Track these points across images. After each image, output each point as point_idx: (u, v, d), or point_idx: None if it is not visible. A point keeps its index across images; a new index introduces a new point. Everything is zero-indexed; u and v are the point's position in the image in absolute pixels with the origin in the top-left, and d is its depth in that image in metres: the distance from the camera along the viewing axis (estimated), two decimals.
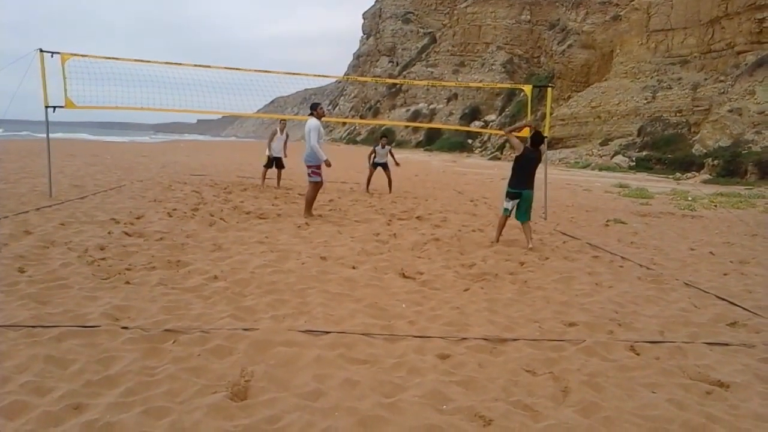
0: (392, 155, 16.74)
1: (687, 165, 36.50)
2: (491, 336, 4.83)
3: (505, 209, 9.09)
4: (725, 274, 7.77)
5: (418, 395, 3.67)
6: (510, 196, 9.04)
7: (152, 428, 3.12)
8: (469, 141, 69.15)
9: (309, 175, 10.72)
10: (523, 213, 9.00)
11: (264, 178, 15.73)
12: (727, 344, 4.96)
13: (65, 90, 11.65)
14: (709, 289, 6.83)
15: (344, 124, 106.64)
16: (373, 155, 16.37)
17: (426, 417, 3.40)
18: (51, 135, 12.23)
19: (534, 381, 4.02)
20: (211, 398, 3.48)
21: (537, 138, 9.09)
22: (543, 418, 3.50)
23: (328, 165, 10.55)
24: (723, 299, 6.40)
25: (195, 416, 3.26)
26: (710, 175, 33.04)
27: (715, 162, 34.03)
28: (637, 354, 4.64)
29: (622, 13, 57.82)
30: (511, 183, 9.06)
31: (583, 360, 4.41)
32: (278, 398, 3.54)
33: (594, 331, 5.11)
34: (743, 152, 33.56)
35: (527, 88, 13.27)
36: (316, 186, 10.79)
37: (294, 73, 16.01)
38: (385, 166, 16.39)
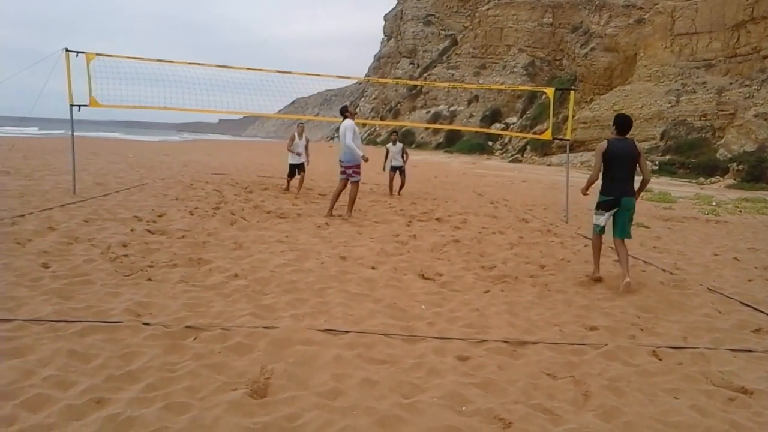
0: (406, 153, 16.44)
1: (711, 170, 36.10)
2: (511, 338, 4.80)
3: (596, 226, 7.03)
4: (750, 280, 7.65)
5: (437, 396, 3.66)
6: (602, 206, 6.89)
7: (173, 423, 3.14)
8: (490, 143, 68.87)
9: (351, 175, 10.90)
10: (621, 227, 6.91)
11: (288, 185, 15.09)
12: (751, 351, 4.88)
13: (90, 89, 11.80)
14: (733, 294, 6.72)
15: (365, 125, 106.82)
16: (387, 155, 16.50)
17: (445, 418, 3.39)
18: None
19: (554, 384, 3.99)
20: (232, 395, 3.49)
21: (621, 121, 6.91)
22: (563, 421, 3.47)
23: (366, 160, 10.71)
24: (747, 305, 6.29)
25: (215, 412, 3.27)
26: (735, 180, 32.63)
27: (740, 167, 33.60)
28: (660, 359, 4.58)
29: (645, 17, 57.30)
30: (603, 188, 6.88)
31: (605, 364, 4.37)
32: (297, 396, 3.55)
33: (615, 336, 5.06)
34: None
35: (549, 91, 13.19)
36: (358, 185, 11.07)
37: (315, 74, 16.08)
38: (402, 170, 16.25)
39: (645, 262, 8.37)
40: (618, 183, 6.76)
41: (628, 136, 6.87)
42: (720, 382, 4.18)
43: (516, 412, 3.51)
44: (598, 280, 6.97)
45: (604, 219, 6.91)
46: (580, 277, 7.18)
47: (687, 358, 4.60)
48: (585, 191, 7.15)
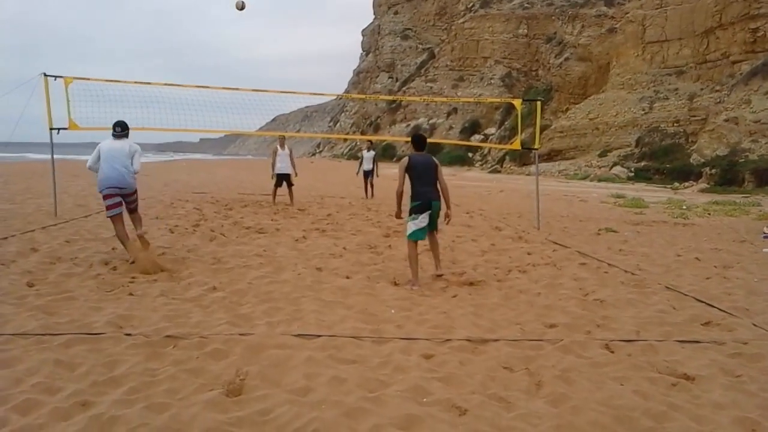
0: (376, 164, 18.74)
1: (685, 174, 36.82)
2: (474, 337, 5.11)
3: (415, 232, 7.26)
4: (707, 278, 8.02)
5: (400, 390, 3.95)
6: (415, 210, 7.24)
7: (153, 421, 3.40)
8: (470, 154, 69.48)
9: None
10: (432, 224, 7.42)
11: (275, 196, 15.79)
12: (698, 342, 5.23)
13: (69, 112, 12.01)
14: (689, 292, 7.07)
15: (346, 140, 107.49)
16: (360, 164, 18.92)
17: (406, 408, 3.68)
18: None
19: (510, 376, 4.30)
20: (208, 395, 3.77)
21: (416, 139, 7.71)
22: (515, 408, 3.78)
23: None
24: (701, 301, 6.64)
25: (193, 410, 3.54)
26: (708, 184, 33.32)
27: (713, 171, 34.33)
28: (611, 351, 4.91)
29: (617, 26, 58.37)
30: (413, 196, 7.28)
31: (559, 357, 4.68)
32: (270, 394, 3.83)
33: (573, 332, 5.38)
34: (740, 161, 33.85)
35: (517, 103, 13.62)
36: None
37: (293, 92, 16.41)
38: (370, 173, 18.60)
39: (609, 264, 8.71)
40: (424, 189, 7.22)
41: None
42: (665, 370, 4.51)
43: (472, 401, 3.81)
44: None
45: (420, 221, 7.20)
46: (545, 279, 7.51)
47: (637, 350, 4.93)
48: (398, 214, 7.61)
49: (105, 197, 7.78)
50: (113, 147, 7.89)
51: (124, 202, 7.90)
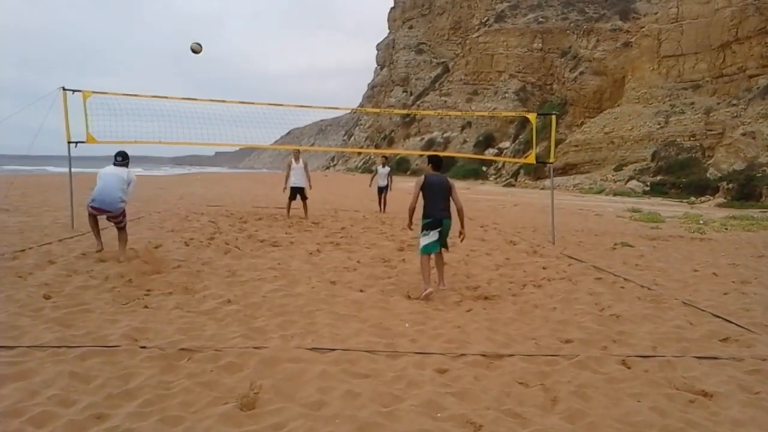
0: (391, 180, 19.02)
1: (702, 189, 36.58)
2: (489, 352, 5.08)
3: (426, 246, 7.44)
4: (725, 294, 7.92)
5: (414, 405, 3.93)
6: (427, 227, 7.48)
7: None
8: (484, 168, 69.51)
9: None
10: (441, 242, 7.66)
11: (289, 209, 15.74)
12: (716, 358, 5.16)
13: (87, 126, 12.14)
14: (706, 307, 6.99)
15: (360, 153, 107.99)
16: (374, 178, 19.30)
17: (420, 423, 3.66)
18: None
19: (525, 392, 4.26)
20: (222, 408, 3.77)
21: (434, 159, 7.99)
22: (530, 424, 3.74)
23: None
24: (719, 317, 6.56)
25: (207, 423, 3.54)
26: (725, 198, 33.07)
27: (730, 185, 34.08)
28: (628, 367, 4.85)
29: (632, 40, 58.35)
30: (425, 213, 7.53)
31: (575, 373, 4.64)
32: (284, 408, 3.82)
33: (588, 347, 5.34)
34: (758, 175, 33.61)
35: (532, 116, 13.60)
36: None
37: (307, 106, 16.44)
38: (385, 188, 18.81)
39: (625, 279, 8.64)
40: (437, 208, 7.48)
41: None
42: (682, 386, 4.45)
43: (487, 417, 3.78)
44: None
45: (431, 236, 7.43)
46: (560, 294, 7.46)
47: (654, 366, 4.87)
48: (410, 226, 8.01)
49: (91, 208, 8.81)
50: (113, 172, 8.82)
51: (110, 219, 8.94)
